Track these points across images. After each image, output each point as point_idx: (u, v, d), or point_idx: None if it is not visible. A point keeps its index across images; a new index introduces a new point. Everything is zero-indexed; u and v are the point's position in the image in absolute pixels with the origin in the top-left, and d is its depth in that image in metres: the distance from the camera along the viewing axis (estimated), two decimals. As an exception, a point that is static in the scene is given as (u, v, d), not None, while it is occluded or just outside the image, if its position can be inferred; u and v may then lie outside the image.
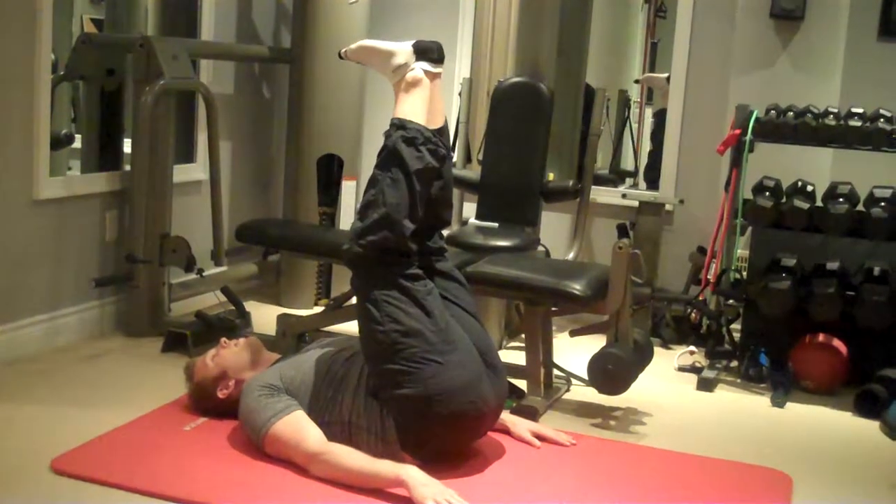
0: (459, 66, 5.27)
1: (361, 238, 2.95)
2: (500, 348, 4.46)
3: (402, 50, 3.15)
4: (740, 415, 3.88)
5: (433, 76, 3.16)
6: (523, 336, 3.90)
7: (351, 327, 4.21)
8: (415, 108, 3.06)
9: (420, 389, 2.89)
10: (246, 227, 4.35)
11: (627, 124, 6.28)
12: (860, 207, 4.18)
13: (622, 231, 4.99)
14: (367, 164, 5.31)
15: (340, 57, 3.32)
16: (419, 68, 3.10)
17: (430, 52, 3.16)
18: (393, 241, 2.96)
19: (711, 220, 4.64)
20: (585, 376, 3.69)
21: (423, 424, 2.92)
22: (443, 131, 3.18)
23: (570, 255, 4.62)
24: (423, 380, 2.89)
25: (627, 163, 6.33)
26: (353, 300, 3.18)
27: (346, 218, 5.07)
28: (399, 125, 3.02)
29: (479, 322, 3.20)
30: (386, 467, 2.81)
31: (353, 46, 3.27)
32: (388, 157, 3.00)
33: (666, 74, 5.35)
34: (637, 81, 6.24)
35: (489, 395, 3.04)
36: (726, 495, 3.05)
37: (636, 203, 5.07)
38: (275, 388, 3.04)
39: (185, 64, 4.32)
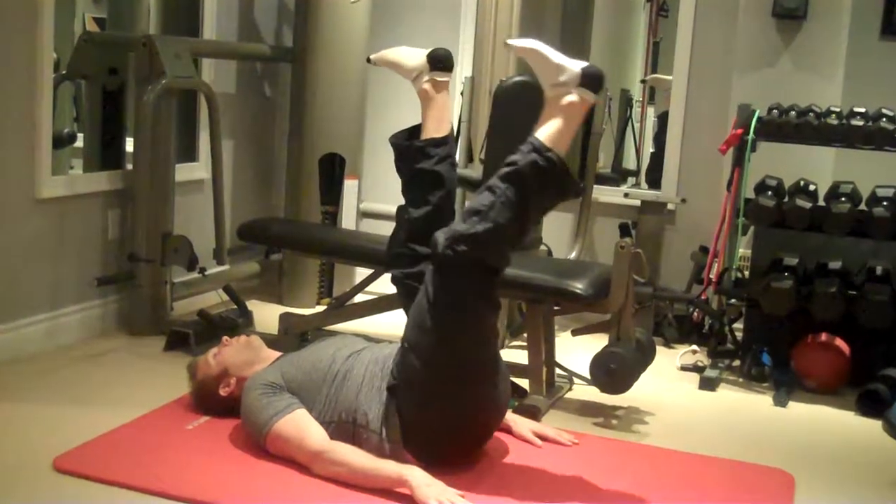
0: (461, 65, 5.27)
1: (458, 244, 2.81)
2: (503, 348, 4.46)
3: (418, 63, 3.26)
4: (742, 414, 3.88)
5: (442, 85, 3.19)
6: (525, 335, 3.90)
7: (352, 326, 4.22)
8: (562, 138, 2.89)
9: (461, 409, 2.92)
10: (248, 226, 4.35)
11: (629, 123, 6.29)
12: (862, 207, 4.17)
13: (624, 230, 4.99)
14: (369, 162, 5.35)
15: (369, 61, 3.43)
16: (577, 94, 2.88)
17: (439, 62, 3.23)
18: (487, 258, 2.87)
19: (714, 219, 4.64)
20: (587, 375, 3.69)
21: (440, 435, 2.92)
22: (449, 139, 3.21)
23: (573, 255, 4.62)
24: (471, 399, 2.94)
25: (629, 162, 6.33)
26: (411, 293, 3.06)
27: (348, 217, 5.07)
28: (539, 149, 2.84)
29: None
30: (389, 467, 2.81)
31: (379, 55, 3.37)
32: (514, 176, 2.83)
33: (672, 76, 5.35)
34: (643, 81, 6.23)
35: (501, 407, 3.11)
36: (728, 494, 3.05)
37: (638, 202, 5.07)
38: (276, 387, 3.04)
39: (187, 63, 4.32)
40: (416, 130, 3.31)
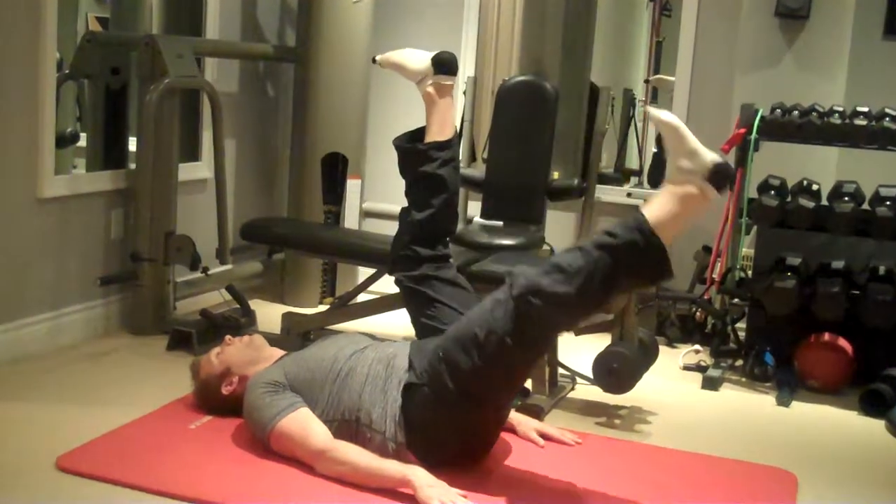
0: (464, 64, 5.27)
1: (535, 297, 2.72)
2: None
3: (422, 66, 3.25)
4: (745, 414, 3.88)
5: (446, 89, 3.20)
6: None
7: (355, 326, 4.22)
8: (671, 226, 2.72)
9: (472, 423, 2.94)
10: (251, 226, 4.35)
11: (632, 123, 6.29)
12: (865, 206, 4.17)
13: (627, 230, 4.98)
14: (372, 162, 5.35)
15: (374, 62, 3.44)
16: (701, 187, 2.71)
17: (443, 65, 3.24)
18: (557, 318, 2.82)
19: (716, 218, 4.63)
20: (590, 375, 3.69)
21: (445, 440, 2.92)
22: (452, 142, 3.22)
23: (575, 254, 4.60)
24: (484, 417, 2.97)
25: (632, 161, 6.33)
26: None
27: (350, 216, 5.07)
28: (644, 231, 2.68)
29: None
30: (392, 467, 2.81)
31: (384, 56, 3.39)
32: (610, 249, 2.70)
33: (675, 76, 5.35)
34: (647, 81, 6.23)
35: (504, 418, 3.15)
36: (731, 494, 3.05)
37: (641, 202, 5.05)
38: (279, 385, 3.04)
39: (190, 62, 4.32)
40: (419, 133, 3.31)
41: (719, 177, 2.69)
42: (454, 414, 2.89)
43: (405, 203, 3.35)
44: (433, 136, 3.26)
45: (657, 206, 2.72)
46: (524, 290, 2.74)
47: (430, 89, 3.28)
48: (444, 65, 3.27)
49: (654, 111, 2.80)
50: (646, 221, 2.69)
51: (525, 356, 2.89)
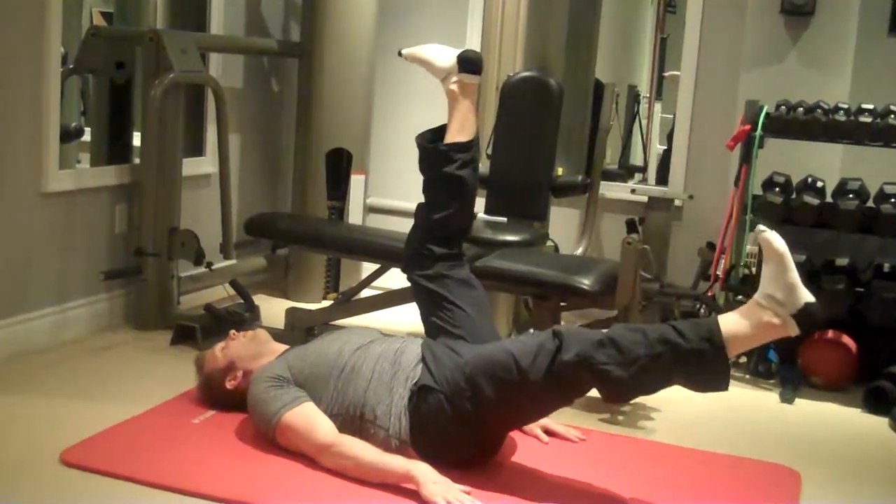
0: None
1: (585, 369, 2.70)
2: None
3: (448, 64, 3.25)
4: (749, 411, 3.88)
5: (470, 88, 3.21)
6: (532, 331, 3.90)
7: (359, 321, 4.22)
8: (742, 345, 2.74)
9: (481, 435, 2.95)
10: (255, 221, 4.36)
11: (637, 119, 6.28)
12: (870, 204, 4.17)
13: (631, 226, 4.99)
14: (376, 158, 5.36)
15: (400, 55, 3.42)
16: (783, 320, 2.69)
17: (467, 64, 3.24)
18: (600, 390, 2.80)
19: (721, 215, 4.64)
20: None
21: (450, 444, 2.92)
22: (473, 144, 3.23)
23: (579, 251, 4.62)
24: (494, 432, 2.99)
25: (637, 158, 6.32)
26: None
27: (355, 212, 5.07)
28: (716, 343, 2.67)
29: (495, 331, 3.25)
30: (396, 462, 2.81)
31: (411, 50, 3.37)
32: (675, 349, 2.68)
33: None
34: (663, 77, 6.19)
35: None
36: (735, 491, 3.05)
37: (645, 198, 5.06)
38: (283, 380, 3.04)
39: (195, 57, 4.32)
40: (441, 130, 3.30)
41: (808, 319, 2.66)
42: (463, 429, 2.88)
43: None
44: (454, 135, 3.25)
45: (735, 323, 2.69)
46: (577, 358, 2.71)
47: (454, 87, 3.26)
48: (470, 63, 3.25)
49: (767, 235, 2.72)
50: (720, 334, 2.66)
51: (551, 405, 2.95)
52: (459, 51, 3.30)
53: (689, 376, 2.73)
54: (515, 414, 2.95)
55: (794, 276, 2.67)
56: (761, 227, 2.77)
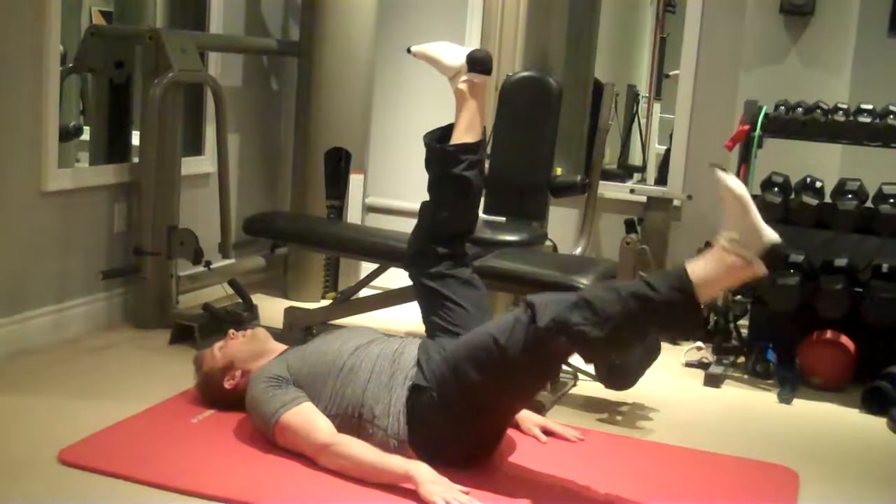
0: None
1: (561, 332, 2.70)
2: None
3: (457, 63, 3.23)
4: (747, 411, 3.88)
5: (479, 87, 3.20)
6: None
7: (358, 321, 4.22)
8: (715, 288, 2.75)
9: (477, 429, 2.94)
10: (254, 220, 4.36)
11: (636, 119, 6.29)
12: (869, 204, 4.17)
13: (630, 226, 4.99)
14: (375, 157, 5.36)
15: (409, 52, 3.40)
16: (754, 260, 2.69)
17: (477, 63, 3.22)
18: (580, 353, 2.82)
19: (719, 215, 4.63)
20: (592, 371, 3.69)
21: (448, 442, 2.92)
22: (480, 145, 3.23)
23: (578, 250, 4.62)
24: (489, 424, 2.98)
25: (635, 158, 6.34)
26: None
27: (354, 211, 5.07)
28: (688, 292, 2.65)
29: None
30: (395, 462, 2.81)
31: (420, 48, 3.35)
32: (649, 303, 2.67)
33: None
34: (667, 76, 6.20)
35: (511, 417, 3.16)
36: (733, 491, 3.05)
37: (644, 198, 5.07)
38: (282, 380, 3.04)
39: (194, 56, 4.32)
40: (450, 129, 3.29)
41: (774, 257, 2.70)
42: (458, 422, 2.89)
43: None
44: (461, 136, 3.24)
45: (703, 269, 2.69)
46: (552, 323, 2.71)
47: (463, 86, 3.25)
48: (479, 63, 3.24)
49: (723, 177, 2.74)
50: (689, 282, 2.66)
51: (537, 379, 2.94)
52: (469, 49, 3.30)
53: (664, 326, 2.77)
54: (504, 394, 2.90)
55: (757, 217, 2.68)
56: (719, 170, 2.77)
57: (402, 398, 2.93)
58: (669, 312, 2.68)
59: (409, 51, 3.42)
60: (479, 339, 2.87)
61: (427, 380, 2.91)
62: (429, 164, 3.30)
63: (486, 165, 4.58)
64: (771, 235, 2.68)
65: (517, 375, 2.83)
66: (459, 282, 3.24)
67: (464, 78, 3.24)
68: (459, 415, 2.87)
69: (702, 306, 2.68)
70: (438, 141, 3.27)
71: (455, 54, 3.28)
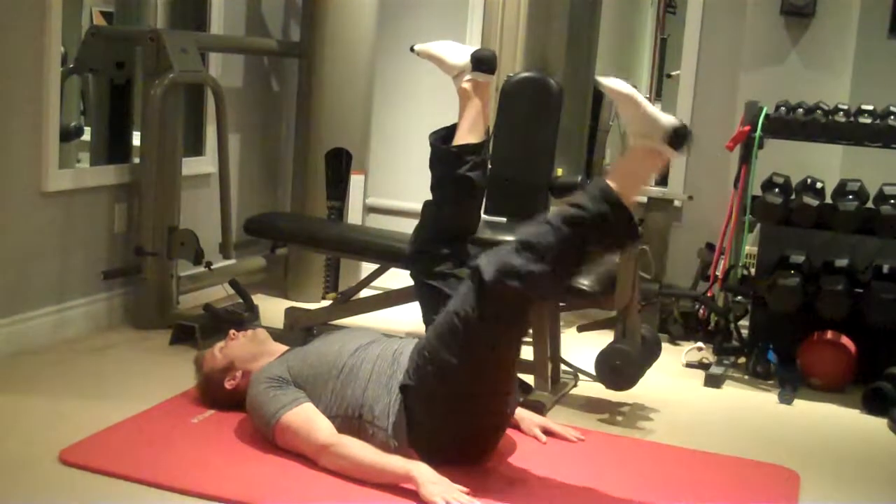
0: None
1: (509, 278, 2.73)
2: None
3: (461, 62, 3.22)
4: (748, 411, 3.88)
5: (483, 87, 3.20)
6: (531, 331, 3.90)
7: (358, 321, 4.22)
8: (635, 189, 2.81)
9: (470, 421, 2.92)
10: (254, 221, 4.35)
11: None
12: (869, 205, 4.17)
13: (630, 227, 4.98)
14: (376, 158, 5.36)
15: (412, 50, 3.40)
16: (662, 149, 2.78)
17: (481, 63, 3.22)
18: (534, 296, 2.84)
19: (720, 216, 4.64)
20: (593, 372, 3.69)
21: (446, 440, 2.92)
22: (483, 146, 3.22)
23: (578, 251, 4.60)
24: (482, 413, 2.94)
25: (636, 159, 6.32)
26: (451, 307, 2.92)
27: (354, 212, 5.07)
28: (611, 201, 2.71)
29: None
30: (395, 462, 2.81)
31: (423, 46, 3.35)
32: (579, 222, 2.73)
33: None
34: (669, 76, 6.20)
35: (511, 412, 3.14)
36: (733, 492, 3.05)
37: (645, 199, 5.06)
38: (282, 381, 3.04)
39: (195, 57, 4.32)
40: (455, 129, 3.29)
41: (679, 138, 2.75)
42: (449, 413, 2.89)
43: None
44: (464, 135, 3.23)
45: (619, 173, 2.79)
46: (498, 273, 2.74)
47: (467, 85, 3.24)
48: (484, 62, 3.23)
49: (605, 81, 2.82)
50: (610, 188, 2.72)
51: (506, 336, 2.89)
52: (473, 49, 3.29)
53: (602, 240, 2.78)
54: (482, 370, 2.87)
55: (648, 107, 2.76)
56: (600, 78, 2.85)
57: (400, 398, 2.93)
58: (603, 225, 2.73)
59: (412, 49, 3.41)
60: (442, 321, 2.88)
61: (410, 378, 2.92)
62: (433, 164, 3.30)
63: (489, 167, 4.60)
64: (668, 120, 2.75)
65: (487, 341, 2.82)
66: (460, 281, 3.23)
67: (468, 77, 3.23)
68: (447, 405, 2.87)
69: (630, 209, 2.74)
70: (443, 141, 3.26)
71: (459, 53, 3.28)
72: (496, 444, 3.09)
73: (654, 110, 2.77)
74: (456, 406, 2.88)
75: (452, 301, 2.90)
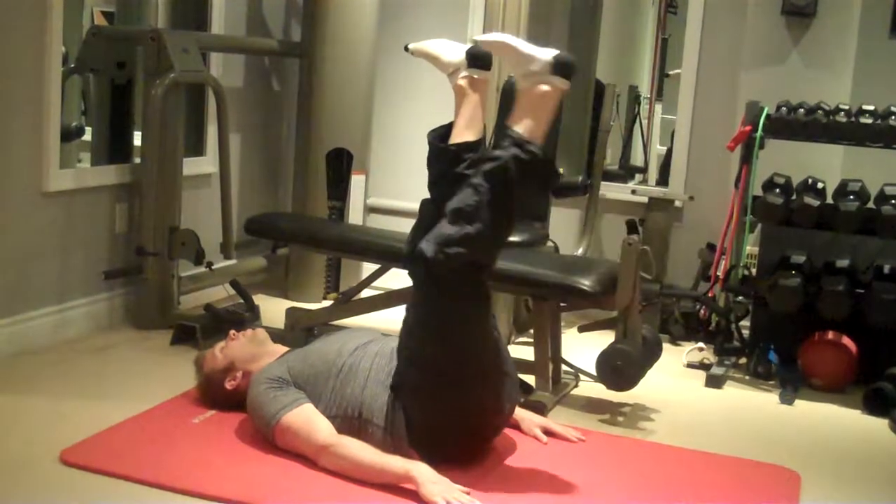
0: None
1: (449, 247, 2.80)
2: (509, 343, 4.46)
3: (456, 59, 3.23)
4: (749, 412, 3.88)
5: (479, 83, 3.18)
6: (532, 331, 3.90)
7: (359, 321, 4.22)
8: (539, 128, 2.89)
9: (462, 413, 2.92)
10: (255, 221, 4.35)
11: (637, 120, 6.28)
12: (870, 205, 4.16)
13: (631, 227, 4.98)
14: (376, 158, 5.36)
15: (406, 50, 3.40)
16: (550, 82, 2.91)
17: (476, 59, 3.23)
18: (479, 257, 2.88)
19: (721, 216, 4.64)
20: (594, 372, 3.68)
21: (443, 435, 2.92)
22: (480, 143, 3.19)
23: (579, 251, 4.62)
24: (472, 403, 2.93)
25: (637, 159, 6.32)
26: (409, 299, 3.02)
27: (355, 212, 5.07)
28: (520, 143, 2.84)
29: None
30: (395, 462, 2.81)
31: (418, 45, 3.35)
32: (498, 172, 2.82)
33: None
34: (667, 75, 6.19)
35: (507, 407, 3.11)
36: (734, 492, 3.05)
37: (646, 199, 5.06)
38: (283, 381, 3.04)
39: (196, 57, 4.32)
40: (451, 127, 3.29)
41: (563, 67, 2.89)
42: (438, 405, 2.89)
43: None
44: (461, 133, 3.22)
45: (519, 117, 2.89)
46: (438, 246, 2.81)
47: (463, 82, 3.21)
48: (478, 59, 3.22)
49: (480, 37, 3.06)
50: (518, 134, 2.83)
51: (474, 309, 2.92)
52: (468, 46, 3.28)
53: (528, 187, 2.88)
54: (462, 349, 2.88)
55: (527, 47, 2.92)
56: (477, 37, 3.14)
57: (397, 400, 2.94)
58: (521, 169, 2.81)
59: (406, 48, 3.40)
60: (408, 319, 2.96)
61: (397, 377, 2.94)
62: (430, 161, 3.29)
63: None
64: (549, 52, 2.89)
65: (455, 318, 2.87)
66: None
67: (463, 74, 3.20)
68: (436, 396, 2.87)
69: (540, 149, 2.85)
70: (441, 139, 3.26)
71: (454, 51, 3.26)
72: (497, 432, 3.09)
73: (533, 47, 2.91)
74: (445, 395, 2.88)
75: (409, 303, 2.97)
